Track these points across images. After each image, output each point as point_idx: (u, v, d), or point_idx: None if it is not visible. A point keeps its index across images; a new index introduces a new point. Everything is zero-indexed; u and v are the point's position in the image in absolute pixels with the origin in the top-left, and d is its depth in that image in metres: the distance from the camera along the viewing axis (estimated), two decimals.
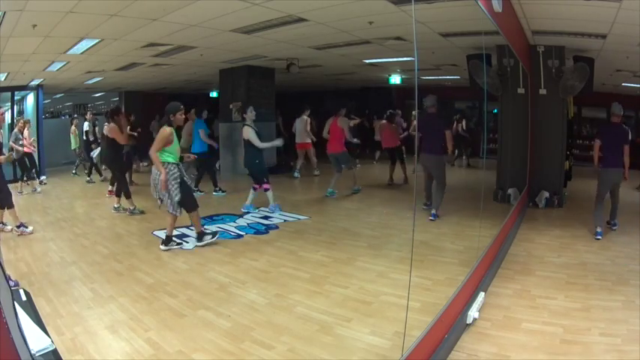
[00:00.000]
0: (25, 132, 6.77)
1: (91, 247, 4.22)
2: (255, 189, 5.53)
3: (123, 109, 7.19)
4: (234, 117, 9.07)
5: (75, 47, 5.63)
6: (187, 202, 4.14)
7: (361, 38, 5.86)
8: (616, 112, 4.54)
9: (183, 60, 7.24)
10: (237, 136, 9.04)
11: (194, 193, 6.30)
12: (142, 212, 5.50)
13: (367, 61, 7.92)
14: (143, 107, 11.92)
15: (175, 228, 4.76)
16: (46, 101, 10.29)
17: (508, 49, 4.84)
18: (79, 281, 3.27)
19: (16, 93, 9.82)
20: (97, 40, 5.38)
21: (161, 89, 12.29)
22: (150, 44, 5.82)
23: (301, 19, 4.83)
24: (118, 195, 5.64)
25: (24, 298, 2.85)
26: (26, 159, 6.80)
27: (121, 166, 5.77)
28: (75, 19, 4.27)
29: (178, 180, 4.03)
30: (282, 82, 9.56)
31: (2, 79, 7.96)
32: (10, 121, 9.56)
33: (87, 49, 5.79)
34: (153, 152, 3.96)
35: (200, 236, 4.18)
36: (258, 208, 5.54)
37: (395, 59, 7.76)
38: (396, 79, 9.80)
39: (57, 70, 7.22)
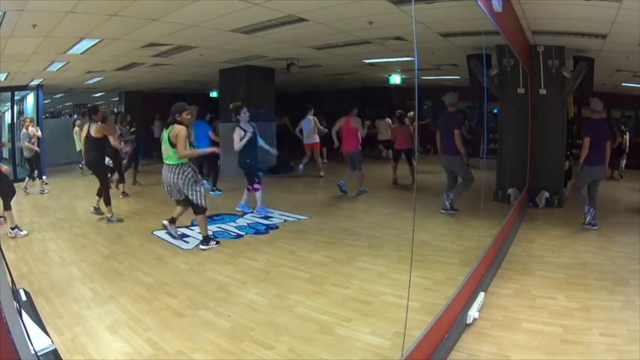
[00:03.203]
0: (32, 129, 6.79)
1: (91, 247, 4.22)
2: (249, 189, 5.52)
3: (123, 110, 7.14)
4: (234, 117, 9.06)
5: (75, 47, 5.62)
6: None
7: (361, 38, 5.86)
8: (596, 109, 4.53)
9: (183, 60, 7.24)
10: None
11: (212, 193, 6.34)
12: (121, 220, 5.15)
13: (367, 61, 7.91)
14: (143, 107, 11.95)
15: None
16: (46, 101, 10.30)
17: (508, 49, 4.83)
18: (79, 281, 3.27)
19: (16, 93, 9.82)
20: (97, 40, 5.38)
21: (161, 89, 12.29)
22: (150, 44, 5.81)
23: (301, 19, 4.83)
24: (100, 195, 5.28)
25: (24, 298, 2.86)
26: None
27: (105, 169, 5.38)
28: (75, 19, 4.27)
29: (194, 179, 4.09)
30: (282, 82, 9.56)
31: (2, 79, 7.96)
32: (9, 121, 9.59)
33: (87, 49, 5.78)
34: (185, 152, 3.99)
35: (206, 240, 4.15)
36: (253, 208, 5.50)
37: (395, 59, 7.75)
38: (396, 79, 9.78)
39: (57, 70, 7.22)
